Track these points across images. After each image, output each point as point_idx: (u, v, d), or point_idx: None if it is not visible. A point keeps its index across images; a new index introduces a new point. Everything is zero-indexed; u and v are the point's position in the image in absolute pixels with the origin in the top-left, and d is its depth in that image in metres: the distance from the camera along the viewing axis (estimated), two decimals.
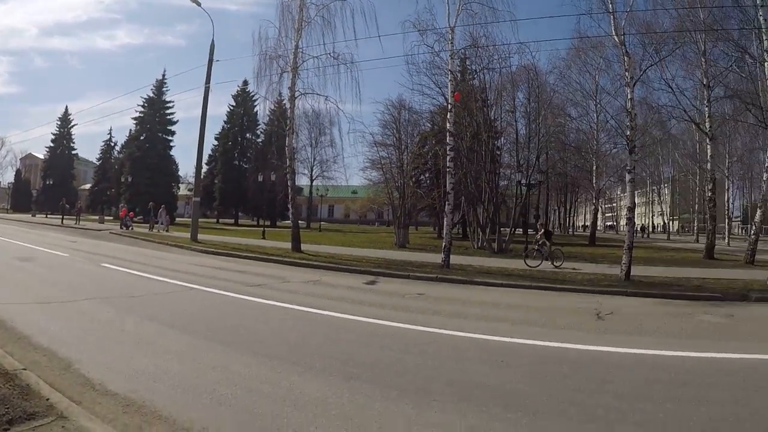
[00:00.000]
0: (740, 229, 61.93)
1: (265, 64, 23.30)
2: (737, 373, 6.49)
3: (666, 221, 71.78)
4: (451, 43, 19.32)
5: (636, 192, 16.63)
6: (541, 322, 9.65)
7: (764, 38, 16.51)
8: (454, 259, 18.95)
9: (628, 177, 16.36)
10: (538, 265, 18.87)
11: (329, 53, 22.26)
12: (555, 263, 19.50)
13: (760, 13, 16.54)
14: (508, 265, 19.18)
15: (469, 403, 5.06)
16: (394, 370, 6.13)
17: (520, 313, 10.52)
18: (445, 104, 22.24)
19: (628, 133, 16.11)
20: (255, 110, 72.76)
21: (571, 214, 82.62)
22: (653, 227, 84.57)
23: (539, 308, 11.15)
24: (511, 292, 13.51)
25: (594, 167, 41.99)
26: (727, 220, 45.36)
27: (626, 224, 16.24)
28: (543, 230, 21.49)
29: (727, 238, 42.13)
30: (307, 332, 8.21)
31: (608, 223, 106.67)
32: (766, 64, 16.47)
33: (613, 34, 16.14)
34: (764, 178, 18.93)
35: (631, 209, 16.17)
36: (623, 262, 15.29)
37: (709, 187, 27.83)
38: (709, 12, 22.73)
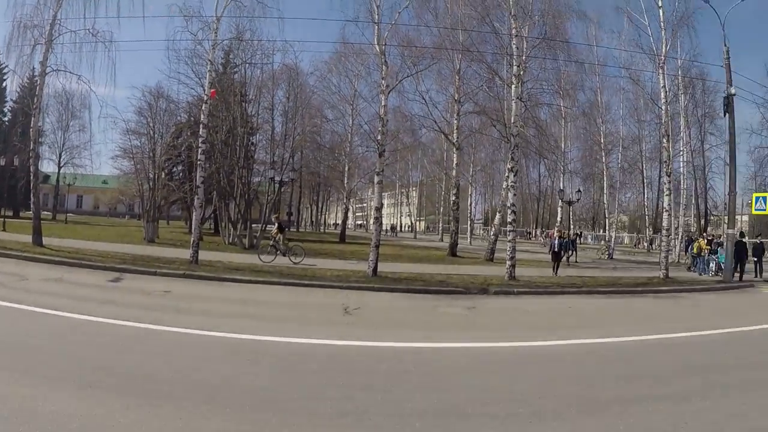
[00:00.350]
0: (482, 230, 72.89)
1: (19, 32, 21.27)
2: (477, 358, 7.83)
3: (413, 221, 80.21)
4: (215, 32, 19.54)
5: (385, 193, 18.83)
6: (290, 318, 10.20)
7: (514, 64, 20.16)
8: (204, 255, 19.09)
9: (376, 179, 18.38)
10: (272, 260, 19.98)
11: (88, 29, 21.13)
12: (293, 259, 20.57)
13: (514, 42, 20.10)
14: (258, 261, 19.71)
15: (214, 406, 5.16)
16: (135, 375, 6.02)
17: (268, 309, 11.07)
18: (203, 95, 22.37)
19: (379, 137, 18.13)
20: (3, 84, 66.16)
21: (324, 213, 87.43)
22: (401, 227, 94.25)
23: (288, 304, 11.80)
24: (260, 289, 14.06)
25: (346, 168, 45.36)
26: (469, 222, 53.07)
27: (374, 223, 18.20)
28: (277, 225, 22.81)
29: (469, 238, 48.83)
30: (39, 335, 7.74)
31: (359, 222, 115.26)
32: (512, 86, 19.99)
33: (375, 43, 17.99)
34: (504, 186, 22.92)
35: (378, 209, 18.10)
36: (370, 259, 16.87)
37: (454, 192, 32.71)
38: (468, 35, 26.63)
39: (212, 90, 20.20)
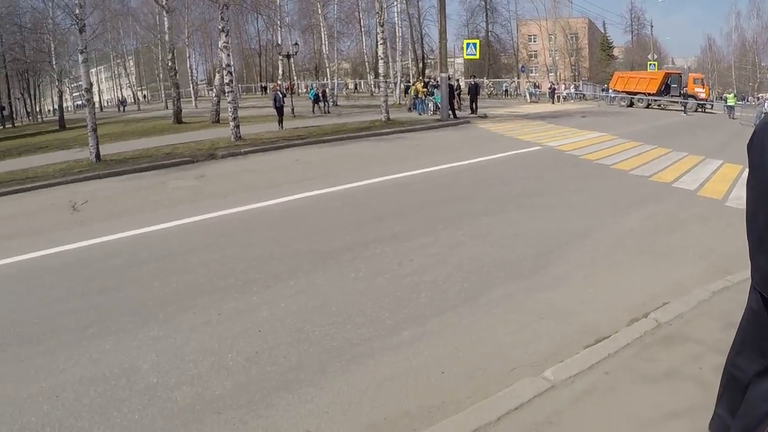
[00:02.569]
0: (207, 92, 69.19)
1: None
2: (209, 229, 7.98)
3: (134, 92, 74.20)
4: None
5: (101, 67, 16.85)
6: (15, 233, 8.74)
7: None
8: None
9: (81, 57, 16.12)
10: None
11: None
12: None
13: None
14: None
15: None
16: None
17: None
18: None
19: (77, 11, 15.62)
20: None
21: (39, 101, 76.72)
22: (124, 100, 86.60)
23: (9, 217, 10.30)
24: None
25: (53, 47, 39.53)
26: (192, 85, 50.58)
27: (86, 105, 16.29)
28: None
29: (194, 102, 46.76)
30: None
31: (78, 103, 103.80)
32: None
33: None
34: (219, 47, 21.74)
35: (88, 90, 16.20)
36: (90, 144, 15.42)
37: (170, 57, 30.57)
38: None
39: None
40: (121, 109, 58.57)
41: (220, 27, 19.12)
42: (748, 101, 47.19)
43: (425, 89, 29.16)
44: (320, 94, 33.04)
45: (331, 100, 38.37)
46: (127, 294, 5.57)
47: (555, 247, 6.86)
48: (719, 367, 2.83)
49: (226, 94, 19.33)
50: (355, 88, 65.37)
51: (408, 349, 4.25)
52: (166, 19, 29.64)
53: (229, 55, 19.63)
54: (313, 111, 31.64)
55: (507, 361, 4.10)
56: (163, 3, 28.34)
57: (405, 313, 4.89)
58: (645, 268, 6.20)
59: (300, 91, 60.67)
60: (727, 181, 11.59)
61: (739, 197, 10.34)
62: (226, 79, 19.27)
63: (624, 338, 4.16)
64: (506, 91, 55.96)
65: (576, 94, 52.75)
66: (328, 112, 31.31)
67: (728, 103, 38.28)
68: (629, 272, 6.06)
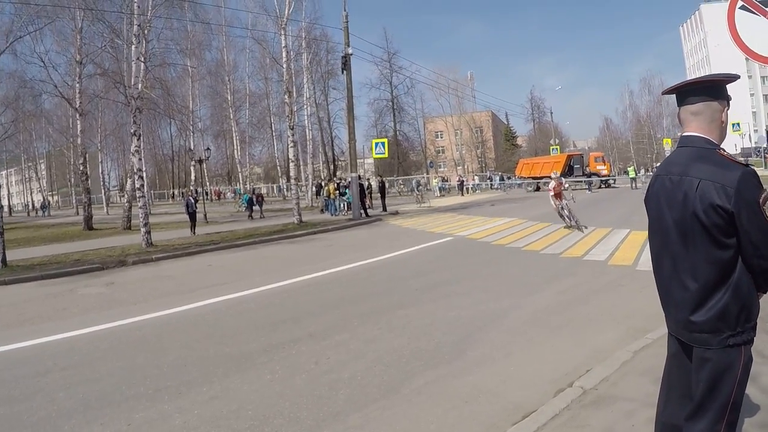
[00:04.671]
0: (119, 198, 68.24)
1: None
2: (120, 337, 7.38)
3: (45, 197, 71.89)
4: None
5: (11, 169, 16.14)
6: None
7: (134, 23, 18.74)
8: None
9: None
10: None
11: None
12: None
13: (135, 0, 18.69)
14: None
15: None
16: None
17: None
18: None
19: None
20: None
21: None
22: (33, 205, 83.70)
23: None
24: None
25: None
26: (104, 191, 49.62)
27: None
28: None
29: (105, 208, 45.86)
30: None
31: None
32: (133, 46, 18.76)
33: None
34: (131, 151, 21.52)
35: None
36: None
37: (81, 161, 29.95)
38: None
39: None
40: (42, 213, 56.07)
41: (132, 131, 18.95)
42: (649, 171, 50.55)
43: (337, 190, 29.57)
44: (254, 199, 32.57)
45: (245, 205, 38.31)
46: (30, 405, 5.13)
47: (473, 330, 6.83)
48: (651, 421, 2.86)
49: (138, 200, 18.93)
50: (266, 193, 65.70)
51: None
52: (78, 122, 29.17)
53: (141, 159, 19.45)
54: (250, 216, 30.93)
55: None
56: (77, 106, 27.91)
57: (325, 412, 4.66)
58: (564, 340, 6.23)
59: (212, 197, 60.56)
60: (636, 248, 12.08)
61: (648, 261, 10.70)
62: (138, 184, 18.88)
63: (551, 410, 4.11)
64: (417, 187, 57.46)
65: (478, 185, 55.13)
66: (263, 217, 30.72)
67: (630, 176, 41.43)
68: (549, 346, 6.07)
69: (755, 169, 2.42)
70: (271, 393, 5.17)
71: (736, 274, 2.36)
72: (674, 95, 2.66)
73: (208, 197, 61.88)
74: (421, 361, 5.82)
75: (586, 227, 15.78)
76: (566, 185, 16.93)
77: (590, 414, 3.98)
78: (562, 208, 16.70)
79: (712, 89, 2.51)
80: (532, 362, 5.57)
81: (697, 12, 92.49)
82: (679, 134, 2.57)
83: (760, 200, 2.28)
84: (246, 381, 5.49)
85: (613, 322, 6.84)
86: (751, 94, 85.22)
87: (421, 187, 38.16)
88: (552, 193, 17.24)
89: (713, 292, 2.38)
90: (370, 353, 6.16)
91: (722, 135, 2.54)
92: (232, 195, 48.80)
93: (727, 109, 2.55)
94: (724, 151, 2.48)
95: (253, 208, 31.32)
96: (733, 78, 2.58)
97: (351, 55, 25.79)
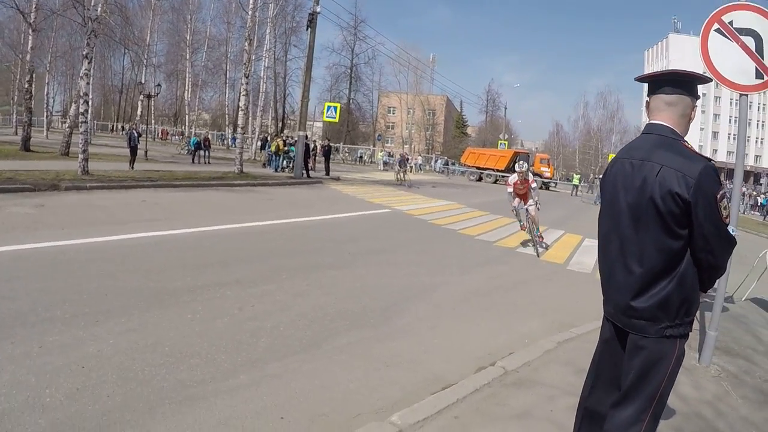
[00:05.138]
0: (61, 123, 65.38)
1: None
2: (41, 260, 7.01)
3: None
4: None
5: None
6: None
7: None
8: None
9: None
10: None
11: None
12: None
13: None
14: None
15: None
16: None
17: None
18: None
19: None
20: None
21: None
22: None
23: None
24: None
25: None
26: (46, 114, 47.21)
27: None
28: None
29: (46, 132, 43.71)
30: None
31: None
32: None
33: None
34: (80, 74, 20.54)
35: None
36: None
37: (27, 79, 28.28)
38: None
39: None
40: None
41: (84, 53, 17.95)
42: (593, 181, 52.04)
43: (285, 147, 29.09)
44: (201, 142, 31.54)
45: (187, 147, 37.21)
46: None
47: (401, 300, 6.84)
48: (571, 408, 2.95)
49: (80, 125, 18.00)
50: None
51: (245, 393, 3.92)
52: (30, 38, 27.49)
53: (88, 83, 18.52)
54: (193, 160, 30.04)
55: (351, 407, 3.90)
56: (31, 20, 26.26)
57: (243, 357, 4.55)
58: (490, 322, 6.29)
59: (158, 136, 58.80)
60: (569, 248, 12.35)
61: (579, 262, 11.05)
62: (82, 109, 17.91)
63: (472, 384, 4.13)
64: (361, 157, 57.54)
65: (422, 165, 55.51)
66: (209, 163, 29.82)
67: (573, 182, 42.49)
68: (475, 325, 6.12)
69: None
70: (190, 332, 5.00)
71: (683, 266, 2.40)
72: (646, 83, 2.69)
73: (154, 136, 60.23)
74: (346, 321, 5.77)
75: (547, 247, 12.70)
76: (535, 184, 12.47)
77: (510, 394, 4.00)
78: (519, 211, 12.39)
79: (688, 84, 2.54)
80: (457, 338, 5.60)
81: (665, 40, 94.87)
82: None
83: (718, 195, 2.32)
84: (166, 317, 5.30)
85: (539, 313, 6.96)
86: (701, 129, 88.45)
87: (404, 162, 31.51)
88: (511, 190, 12.38)
89: (658, 279, 2.41)
90: (296, 307, 6.06)
91: (687, 130, 2.59)
92: (179, 137, 47.22)
93: (695, 109, 2.59)
94: (689, 143, 2.52)
95: (198, 152, 30.48)
96: (708, 79, 2.71)
97: (319, 13, 25.29)
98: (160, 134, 63.64)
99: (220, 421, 3.57)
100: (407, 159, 32.87)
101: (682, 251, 2.39)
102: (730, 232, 2.41)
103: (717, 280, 2.62)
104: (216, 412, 3.66)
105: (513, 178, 12.14)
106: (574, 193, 41.74)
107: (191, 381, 4.07)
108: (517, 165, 12.26)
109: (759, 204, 48.63)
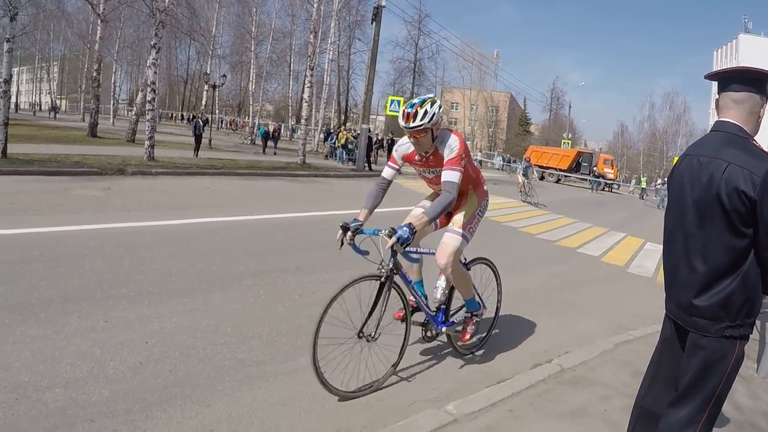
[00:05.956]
0: (127, 112, 67.57)
1: None
2: (108, 239, 7.32)
3: (53, 99, 71.03)
4: None
5: (24, 67, 15.63)
6: None
7: None
8: None
9: (6, 46, 14.95)
10: None
11: None
12: None
13: None
14: None
15: None
16: None
17: None
18: None
19: None
20: None
21: None
22: (40, 106, 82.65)
23: None
24: None
25: None
26: (113, 102, 48.94)
27: (2, 98, 15.21)
28: None
29: (112, 119, 45.40)
30: None
31: None
32: None
33: None
34: (148, 64, 21.24)
35: (7, 81, 14.85)
36: None
37: (95, 68, 29.44)
38: None
39: None
40: (50, 114, 55.20)
41: (152, 43, 18.63)
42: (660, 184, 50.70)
43: (353, 139, 29.29)
44: (270, 132, 32.11)
45: (250, 137, 37.87)
46: (9, 289, 5.03)
47: None
48: (626, 408, 2.92)
49: (147, 113, 18.66)
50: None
51: (303, 375, 3.98)
52: (99, 28, 28.66)
53: (156, 72, 19.10)
54: (264, 150, 30.65)
55: (407, 395, 3.95)
56: (100, 11, 27.34)
57: (303, 341, 4.59)
58: (548, 320, 6.23)
59: (227, 125, 60.14)
60: (630, 251, 12.08)
61: (640, 266, 10.79)
62: (149, 97, 18.57)
63: (528, 379, 4.13)
64: (526, 170, 57.35)
65: (482, 162, 54.96)
66: (276, 153, 30.20)
67: (642, 186, 41.06)
68: (533, 323, 6.07)
69: None
70: (252, 315, 5.15)
71: (747, 265, 2.35)
72: (715, 81, 2.64)
73: (222, 125, 61.65)
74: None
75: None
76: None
77: (566, 391, 3.98)
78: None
79: (758, 82, 2.49)
80: (514, 334, 5.57)
81: (734, 40, 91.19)
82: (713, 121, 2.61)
83: None
84: (228, 300, 5.46)
85: (597, 314, 6.86)
86: None
87: (531, 173, 24.27)
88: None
89: (721, 278, 2.37)
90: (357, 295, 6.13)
91: (756, 129, 2.53)
92: (249, 127, 48.20)
93: (766, 107, 2.54)
94: (757, 142, 2.47)
95: (268, 142, 30.96)
96: None
97: (384, 7, 25.38)
98: (229, 124, 65.21)
99: (278, 400, 3.66)
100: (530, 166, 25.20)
101: (746, 250, 2.34)
102: None
103: None
104: (274, 392, 3.77)
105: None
106: (642, 196, 40.15)
107: (251, 361, 4.19)
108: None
109: None
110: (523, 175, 22.60)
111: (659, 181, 42.54)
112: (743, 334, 2.39)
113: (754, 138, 2.48)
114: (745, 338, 2.42)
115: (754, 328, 2.52)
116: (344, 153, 28.68)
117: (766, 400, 4.42)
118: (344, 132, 30.99)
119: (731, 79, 2.54)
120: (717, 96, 2.61)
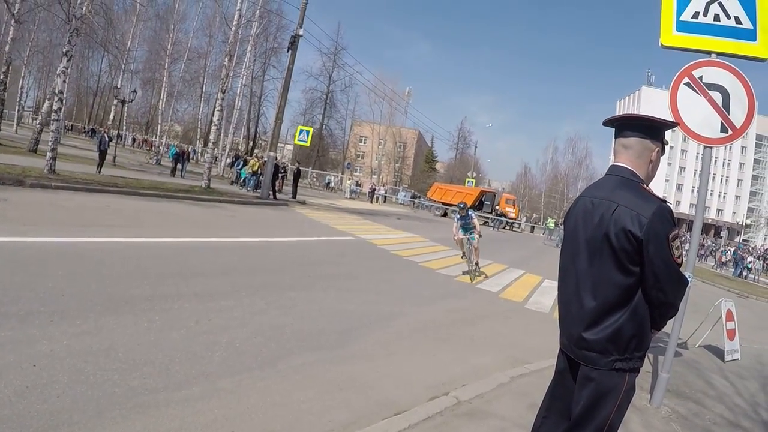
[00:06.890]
0: (31, 119, 64.12)
1: None
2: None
3: None
4: None
5: None
6: None
7: None
8: None
9: None
10: None
11: None
12: None
13: None
14: None
15: None
16: None
17: None
18: None
19: None
20: None
21: None
22: None
23: None
24: None
25: None
26: (18, 108, 46.27)
27: None
28: None
29: (16, 126, 42.87)
30: None
31: None
32: None
33: None
34: (57, 72, 20.24)
35: None
36: None
37: (3, 70, 27.65)
38: None
39: None
40: None
41: (64, 50, 17.67)
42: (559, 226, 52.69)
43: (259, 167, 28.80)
44: (181, 154, 30.88)
45: (155, 158, 36.76)
46: None
47: (359, 326, 6.83)
48: None
49: (51, 123, 17.63)
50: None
51: (197, 405, 3.86)
52: (12, 28, 26.88)
53: (65, 81, 18.18)
54: (173, 172, 29.33)
55: (301, 426, 3.87)
56: (15, 11, 25.68)
57: (197, 369, 4.49)
58: (446, 353, 6.30)
59: (127, 143, 58.07)
60: (528, 288, 12.48)
61: (537, 302, 11.16)
62: (56, 107, 17.56)
63: (424, 412, 4.12)
64: (329, 184, 57.52)
65: (387, 197, 55.61)
66: (183, 176, 29.07)
67: (548, 226, 42.51)
68: (431, 355, 6.13)
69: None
70: (145, 341, 4.91)
71: (635, 301, 2.47)
72: (613, 128, 2.80)
73: (129, 142, 59.45)
74: (302, 342, 5.73)
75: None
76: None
77: (462, 424, 4.01)
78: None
79: (647, 128, 2.66)
80: (411, 366, 5.60)
81: (637, 92, 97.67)
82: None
83: (670, 235, 2.42)
84: (122, 324, 5.20)
85: (495, 348, 7.00)
86: (666, 180, 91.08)
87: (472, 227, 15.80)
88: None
89: (610, 313, 2.47)
90: (253, 324, 5.99)
91: (649, 174, 2.69)
92: (156, 147, 46.46)
93: (660, 152, 2.69)
94: (649, 187, 2.62)
95: (177, 164, 29.94)
96: (671, 124, 2.78)
97: (301, 36, 25.40)
98: (142, 142, 63.10)
99: (169, 430, 3.51)
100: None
101: (634, 287, 2.46)
102: (683, 273, 2.50)
103: (670, 322, 2.69)
104: (166, 422, 3.60)
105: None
106: (549, 236, 41.37)
107: (143, 389, 4.00)
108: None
109: (723, 260, 48.11)
110: (462, 229, 13.72)
111: (559, 221, 44.16)
112: (633, 367, 2.49)
113: (647, 183, 2.64)
114: (635, 371, 2.52)
115: (647, 360, 2.62)
116: (254, 180, 28.14)
117: (659, 429, 4.61)
118: (256, 159, 30.44)
119: (624, 126, 2.71)
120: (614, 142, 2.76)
